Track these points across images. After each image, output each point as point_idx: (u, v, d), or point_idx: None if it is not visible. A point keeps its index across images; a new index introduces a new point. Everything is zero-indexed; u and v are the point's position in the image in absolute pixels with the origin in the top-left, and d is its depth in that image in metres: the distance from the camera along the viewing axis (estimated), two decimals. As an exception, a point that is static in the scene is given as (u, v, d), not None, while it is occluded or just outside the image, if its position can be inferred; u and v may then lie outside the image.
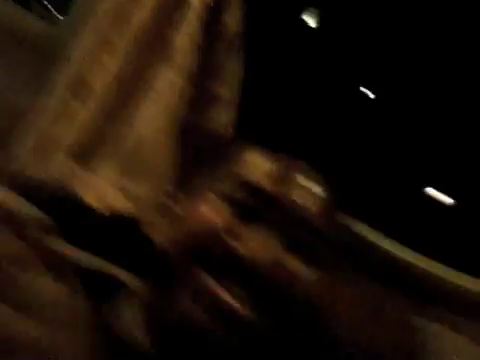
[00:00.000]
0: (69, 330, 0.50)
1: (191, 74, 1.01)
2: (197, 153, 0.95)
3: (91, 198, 0.78)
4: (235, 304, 0.53)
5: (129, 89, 1.01)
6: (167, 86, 0.99)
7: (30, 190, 0.76)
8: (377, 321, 1.14)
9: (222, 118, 1.05)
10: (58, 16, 1.39)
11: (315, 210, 0.62)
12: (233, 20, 1.07)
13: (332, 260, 0.61)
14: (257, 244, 0.57)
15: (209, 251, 0.56)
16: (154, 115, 1.00)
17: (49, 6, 1.41)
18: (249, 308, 0.54)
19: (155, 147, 0.99)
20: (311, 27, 1.61)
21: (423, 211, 1.37)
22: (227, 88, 1.08)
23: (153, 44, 1.01)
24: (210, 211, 0.60)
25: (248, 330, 0.54)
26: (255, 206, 0.59)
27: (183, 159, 0.97)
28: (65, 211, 0.63)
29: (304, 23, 1.60)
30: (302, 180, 0.64)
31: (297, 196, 0.62)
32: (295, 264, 0.59)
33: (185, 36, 0.99)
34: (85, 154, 0.99)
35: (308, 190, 0.63)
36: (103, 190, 0.91)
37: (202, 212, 0.61)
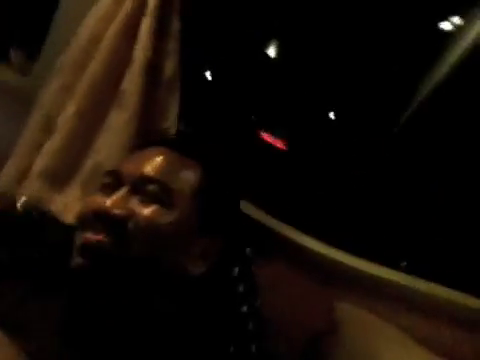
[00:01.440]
0: None
1: (138, 112, 1.25)
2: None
3: (69, 217, 1.04)
4: (98, 239, 0.83)
5: (87, 125, 1.25)
6: (119, 122, 1.23)
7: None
8: (303, 305, 1.34)
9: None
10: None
11: None
12: (171, 67, 1.33)
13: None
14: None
15: (83, 219, 0.87)
16: (109, 145, 1.23)
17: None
18: (111, 242, 0.83)
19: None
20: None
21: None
22: (168, 120, 1.32)
23: (105, 89, 1.25)
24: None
25: (112, 259, 0.83)
26: None
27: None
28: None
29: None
30: None
31: None
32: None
33: (131, 83, 1.24)
34: (53, 178, 1.23)
35: None
36: (74, 207, 1.14)
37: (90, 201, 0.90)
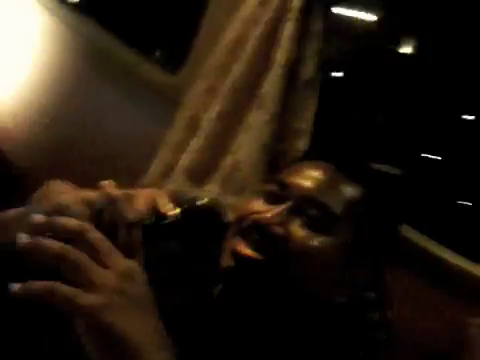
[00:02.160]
0: None
1: (276, 113, 1.29)
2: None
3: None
4: (252, 255, 0.81)
5: (228, 125, 1.31)
6: (258, 123, 1.27)
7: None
8: (431, 318, 1.30)
9: (299, 145, 1.32)
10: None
11: None
12: (310, 67, 1.34)
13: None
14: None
15: (241, 223, 0.85)
16: (248, 145, 1.29)
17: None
18: (265, 261, 0.81)
19: (248, 170, 1.28)
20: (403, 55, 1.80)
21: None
22: (304, 121, 1.34)
23: (247, 90, 1.30)
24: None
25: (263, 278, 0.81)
26: None
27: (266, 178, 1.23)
28: None
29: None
30: None
31: None
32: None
33: (271, 84, 1.28)
34: (196, 174, 1.31)
35: None
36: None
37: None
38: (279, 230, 0.82)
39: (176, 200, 0.72)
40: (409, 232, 1.35)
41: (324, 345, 0.87)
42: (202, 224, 0.71)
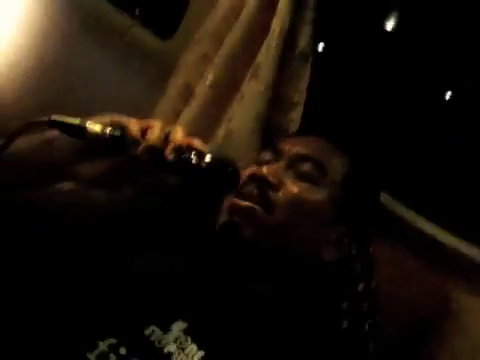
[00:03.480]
0: None
1: (271, 83, 1.28)
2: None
3: None
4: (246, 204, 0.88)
5: (222, 94, 1.30)
6: (253, 93, 1.27)
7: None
8: (413, 287, 1.34)
9: (293, 116, 1.32)
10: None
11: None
12: (305, 38, 1.33)
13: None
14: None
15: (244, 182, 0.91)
16: (242, 115, 1.28)
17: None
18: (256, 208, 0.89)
19: (242, 139, 1.27)
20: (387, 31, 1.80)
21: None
22: (298, 93, 1.34)
23: (241, 59, 1.29)
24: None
25: (255, 222, 0.89)
26: None
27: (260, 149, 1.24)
28: None
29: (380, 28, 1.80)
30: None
31: None
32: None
33: (267, 54, 1.26)
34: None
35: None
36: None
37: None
38: (273, 179, 0.90)
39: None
40: (392, 203, 1.38)
41: (309, 305, 0.92)
42: (221, 178, 0.77)
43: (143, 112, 1.36)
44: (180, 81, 1.33)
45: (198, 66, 1.32)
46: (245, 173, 0.93)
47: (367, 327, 0.96)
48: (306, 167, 0.93)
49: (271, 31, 1.28)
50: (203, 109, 1.30)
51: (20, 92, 1.62)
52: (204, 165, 0.75)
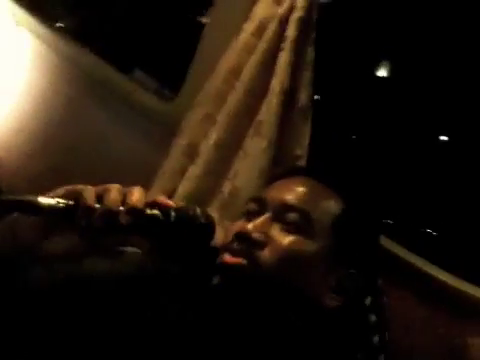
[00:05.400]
0: None
1: (273, 140, 1.31)
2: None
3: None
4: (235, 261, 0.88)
5: (226, 152, 1.33)
6: (256, 150, 1.29)
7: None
8: (424, 335, 1.32)
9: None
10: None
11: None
12: (304, 95, 1.37)
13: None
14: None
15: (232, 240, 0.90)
16: (246, 171, 1.30)
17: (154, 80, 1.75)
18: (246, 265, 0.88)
19: (247, 196, 1.29)
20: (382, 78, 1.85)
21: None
22: (300, 148, 1.37)
23: (244, 119, 1.33)
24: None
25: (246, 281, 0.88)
26: None
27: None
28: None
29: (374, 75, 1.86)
30: None
31: None
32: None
33: (268, 112, 1.30)
34: (195, 201, 1.31)
35: None
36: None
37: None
38: (257, 235, 0.88)
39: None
40: (398, 249, 1.38)
41: (322, 349, 0.89)
42: (191, 232, 0.75)
43: (149, 173, 1.40)
44: (184, 141, 1.37)
45: (202, 126, 1.36)
46: (233, 229, 0.92)
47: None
48: (292, 217, 0.90)
49: (271, 90, 1.33)
50: (208, 167, 1.33)
51: (25, 157, 1.65)
52: (172, 220, 0.73)
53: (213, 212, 1.33)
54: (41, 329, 0.77)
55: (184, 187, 1.32)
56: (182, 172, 1.34)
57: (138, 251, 0.88)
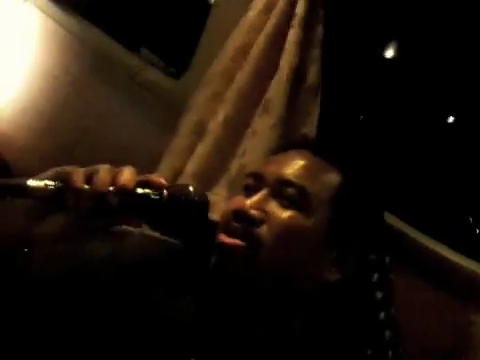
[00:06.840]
0: None
1: (282, 118, 1.32)
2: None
3: (214, 215, 1.10)
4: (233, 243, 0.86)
5: (235, 130, 1.33)
6: (264, 128, 1.30)
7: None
8: (431, 318, 1.33)
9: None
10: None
11: None
12: (313, 73, 1.37)
13: None
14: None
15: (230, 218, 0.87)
16: (254, 149, 1.31)
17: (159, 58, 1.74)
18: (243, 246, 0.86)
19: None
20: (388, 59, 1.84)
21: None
22: (308, 125, 1.37)
23: (252, 97, 1.33)
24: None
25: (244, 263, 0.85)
26: None
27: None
28: None
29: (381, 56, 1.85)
30: None
31: None
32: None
33: (277, 90, 1.30)
34: (204, 178, 1.32)
35: None
36: (220, 206, 1.23)
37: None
38: (255, 213, 0.86)
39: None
40: (408, 230, 1.38)
41: (329, 334, 0.89)
42: (185, 210, 0.72)
43: (156, 150, 1.40)
44: (193, 119, 1.37)
45: (210, 104, 1.36)
46: (230, 206, 0.90)
47: (391, 355, 0.93)
48: (290, 193, 0.88)
49: (280, 68, 1.32)
50: (216, 145, 1.33)
51: (34, 135, 1.66)
52: (165, 198, 0.71)
53: (221, 190, 1.34)
54: (41, 315, 0.78)
55: (192, 165, 1.33)
56: (190, 150, 1.35)
57: (134, 230, 0.87)
